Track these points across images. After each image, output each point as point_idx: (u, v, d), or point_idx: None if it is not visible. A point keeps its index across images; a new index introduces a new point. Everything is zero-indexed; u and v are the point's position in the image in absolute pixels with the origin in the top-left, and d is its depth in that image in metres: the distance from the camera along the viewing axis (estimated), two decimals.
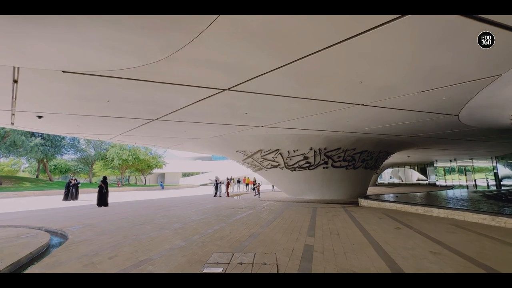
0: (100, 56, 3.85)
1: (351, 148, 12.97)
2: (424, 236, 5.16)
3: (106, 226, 6.61)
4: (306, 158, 12.99)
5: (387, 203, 9.62)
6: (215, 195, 16.65)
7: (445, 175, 27.76)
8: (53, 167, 35.84)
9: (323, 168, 13.31)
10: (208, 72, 4.52)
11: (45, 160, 27.66)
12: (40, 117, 7.85)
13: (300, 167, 13.38)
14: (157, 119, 8.23)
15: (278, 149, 12.87)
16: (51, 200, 15.40)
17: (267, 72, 4.55)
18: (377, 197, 12.12)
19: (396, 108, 6.98)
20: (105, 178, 11.34)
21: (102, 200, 11.10)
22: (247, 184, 22.11)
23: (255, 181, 22.07)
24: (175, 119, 8.27)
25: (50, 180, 29.14)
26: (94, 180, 51.35)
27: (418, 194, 15.53)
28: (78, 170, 37.82)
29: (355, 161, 13.63)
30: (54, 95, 5.84)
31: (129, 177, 52.79)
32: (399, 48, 3.71)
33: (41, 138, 25.26)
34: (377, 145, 13.20)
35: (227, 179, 17.99)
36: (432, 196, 13.56)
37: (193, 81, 4.97)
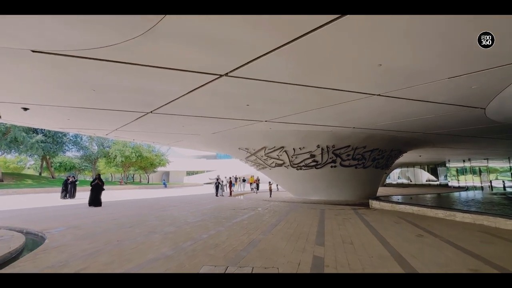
0: (69, 30, 3.17)
1: (361, 146, 12.13)
2: (455, 247, 4.36)
3: (92, 229, 5.97)
4: (313, 156, 12.21)
5: (402, 206, 8.79)
6: (217, 195, 16.00)
7: (458, 176, 26.59)
8: (58, 164, 35.80)
9: (331, 167, 12.51)
10: (200, 52, 3.79)
11: (47, 157, 27.41)
12: (25, 109, 7.27)
13: (306, 165, 12.61)
14: (151, 112, 7.57)
15: (283, 147, 12.12)
16: (49, 198, 14.96)
17: (269, 52, 3.81)
18: (390, 199, 11.27)
19: (417, 99, 6.16)
20: (99, 175, 10.69)
21: (98, 199, 10.41)
22: (251, 183, 21.34)
23: (258, 179, 21.34)
24: (170, 112, 7.60)
25: (52, 177, 28.92)
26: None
27: (433, 195, 14.61)
28: (83, 167, 37.68)
29: (365, 160, 12.79)
30: (33, 83, 5.21)
31: (133, 175, 52.67)
32: (434, 20, 2.93)
33: (43, 135, 24.97)
34: (389, 143, 12.33)
35: (230, 178, 17.29)
36: (448, 198, 12.65)
37: (184, 64, 4.27)
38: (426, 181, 35.66)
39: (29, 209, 10.01)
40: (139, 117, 8.30)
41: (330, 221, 6.84)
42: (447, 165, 27.36)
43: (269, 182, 15.71)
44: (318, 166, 12.53)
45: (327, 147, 11.85)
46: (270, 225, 6.31)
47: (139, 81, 5.05)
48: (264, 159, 13.28)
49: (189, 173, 54.77)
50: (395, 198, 11.91)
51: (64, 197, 14.16)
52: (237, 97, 6.10)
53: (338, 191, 13.39)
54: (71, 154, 34.17)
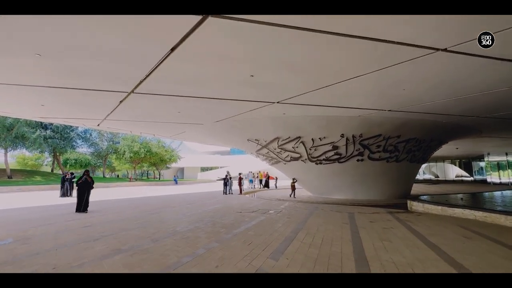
0: None
1: (395, 135, 10.04)
2: None
3: (42, 243, 4.45)
4: (335, 148, 10.27)
5: (458, 210, 6.71)
6: (224, 192, 14.39)
7: (499, 171, 23.51)
8: (73, 161, 35.75)
9: (357, 160, 10.52)
10: None
11: (57, 153, 26.97)
12: None
13: (327, 159, 10.69)
14: (133, 91, 5.99)
15: (299, 137, 10.25)
16: (47, 196, 13.97)
17: None
18: (435, 200, 9.13)
19: (500, 57, 4.13)
20: (88, 172, 9.11)
21: (86, 202, 8.23)
22: (260, 180, 19.45)
23: (268, 175, 19.53)
24: (157, 91, 5.99)
25: (62, 174, 28.55)
26: (108, 174, 51.33)
27: (478, 194, 12.22)
28: (99, 164, 37.40)
29: (399, 152, 10.68)
30: None
31: (147, 171, 52.47)
32: None
33: (51, 131, 24.42)
34: (430, 131, 10.14)
35: (240, 174, 15.59)
36: (503, 198, 10.31)
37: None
38: (456, 176, 32.61)
39: (6, 210, 8.79)
40: (123, 100, 6.76)
41: (367, 233, 4.97)
42: (485, 158, 24.29)
43: (293, 180, 12.64)
44: (342, 160, 10.58)
45: (353, 136, 9.86)
46: (284, 240, 4.53)
47: (95, 35, 3.41)
48: (278, 152, 11.47)
49: (203, 169, 54.32)
50: (443, 199, 9.76)
51: (62, 195, 13.06)
52: (236, 61, 4.34)
53: (365, 189, 11.37)
54: (83, 150, 33.86)
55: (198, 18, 3.09)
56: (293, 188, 12.52)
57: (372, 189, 11.36)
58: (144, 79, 5.17)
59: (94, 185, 8.82)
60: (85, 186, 8.43)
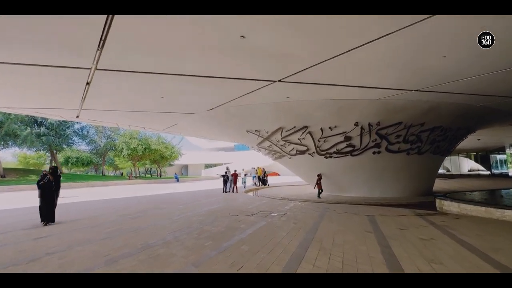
0: None
1: (418, 123, 8.61)
2: None
3: None
4: (348, 139, 8.89)
5: (508, 212, 5.31)
6: (224, 191, 13.15)
7: None
8: (75, 159, 35.07)
9: (373, 153, 9.14)
10: None
11: (54, 151, 26.09)
12: None
13: (338, 152, 9.33)
14: (96, 67, 4.74)
15: (306, 126, 8.90)
16: (35, 197, 12.92)
17: None
18: (469, 198, 7.70)
19: None
20: (55, 169, 7.22)
21: (51, 210, 6.42)
22: (259, 177, 18.06)
23: (265, 172, 18.21)
24: (123, 67, 4.74)
25: (60, 172, 27.78)
26: (112, 172, 50.46)
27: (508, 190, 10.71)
28: (101, 162, 36.63)
29: (422, 142, 9.26)
30: None
31: (150, 169, 51.68)
32: None
33: (45, 128, 23.49)
34: (459, 117, 8.67)
35: (235, 171, 14.30)
36: None
37: None
38: (469, 170, 31.02)
39: None
40: (90, 82, 5.52)
41: (401, 248, 3.63)
42: (507, 151, 22.55)
43: (318, 175, 10.13)
44: (355, 153, 9.21)
45: (369, 125, 8.47)
46: (288, 261, 3.23)
47: None
48: (281, 145, 10.15)
49: (207, 166, 53.74)
50: (480, 197, 8.32)
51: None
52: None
53: (383, 186, 9.98)
54: (81, 148, 33.05)
55: None
56: (319, 186, 10.12)
57: (390, 185, 9.98)
58: (103, 44, 3.88)
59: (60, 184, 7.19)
60: (49, 188, 6.54)
